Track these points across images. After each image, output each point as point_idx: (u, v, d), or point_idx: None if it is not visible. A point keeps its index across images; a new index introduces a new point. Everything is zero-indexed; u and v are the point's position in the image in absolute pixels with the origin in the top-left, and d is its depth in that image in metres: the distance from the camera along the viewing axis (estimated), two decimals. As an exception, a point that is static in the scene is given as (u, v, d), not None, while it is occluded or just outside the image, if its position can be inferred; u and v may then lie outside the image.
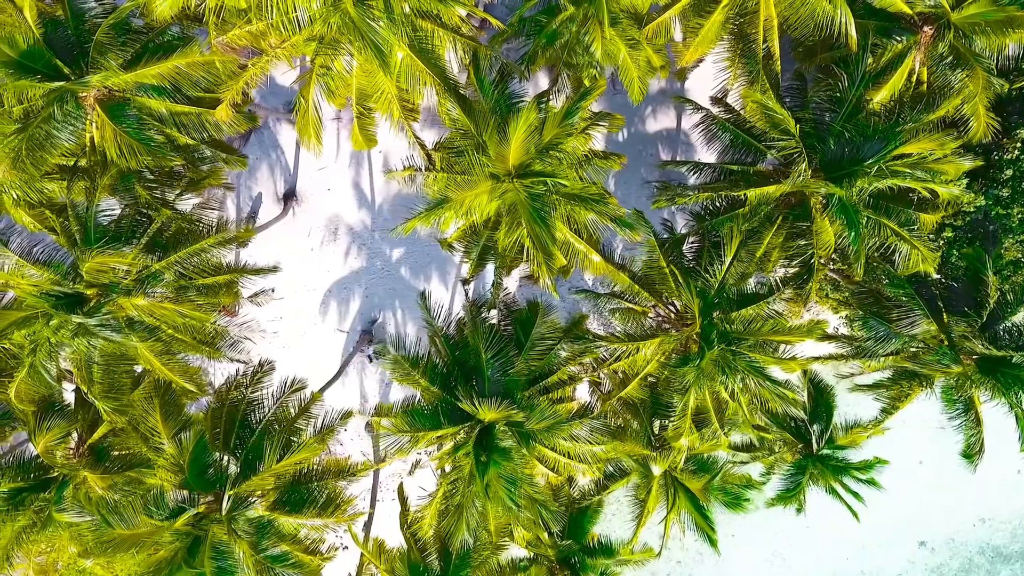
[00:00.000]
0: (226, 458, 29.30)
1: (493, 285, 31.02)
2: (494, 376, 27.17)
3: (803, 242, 27.88)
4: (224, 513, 26.67)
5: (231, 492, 27.07)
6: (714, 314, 28.09)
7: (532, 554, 35.54)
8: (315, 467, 30.67)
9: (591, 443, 26.60)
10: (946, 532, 48.93)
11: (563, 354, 29.39)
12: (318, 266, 45.09)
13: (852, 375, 34.98)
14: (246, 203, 44.44)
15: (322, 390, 37.71)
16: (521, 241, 26.66)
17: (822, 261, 28.06)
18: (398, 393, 47.27)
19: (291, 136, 44.02)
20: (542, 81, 41.52)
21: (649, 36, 31.47)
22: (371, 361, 45.94)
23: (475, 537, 29.34)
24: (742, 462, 37.19)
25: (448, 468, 27.91)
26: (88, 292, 26.58)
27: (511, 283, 43.21)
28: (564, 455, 28.44)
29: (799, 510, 37.36)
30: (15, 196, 28.05)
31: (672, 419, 29.12)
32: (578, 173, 27.52)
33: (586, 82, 32.48)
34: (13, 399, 27.29)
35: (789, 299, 29.15)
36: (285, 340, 44.68)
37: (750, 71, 30.12)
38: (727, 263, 27.29)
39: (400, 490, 33.91)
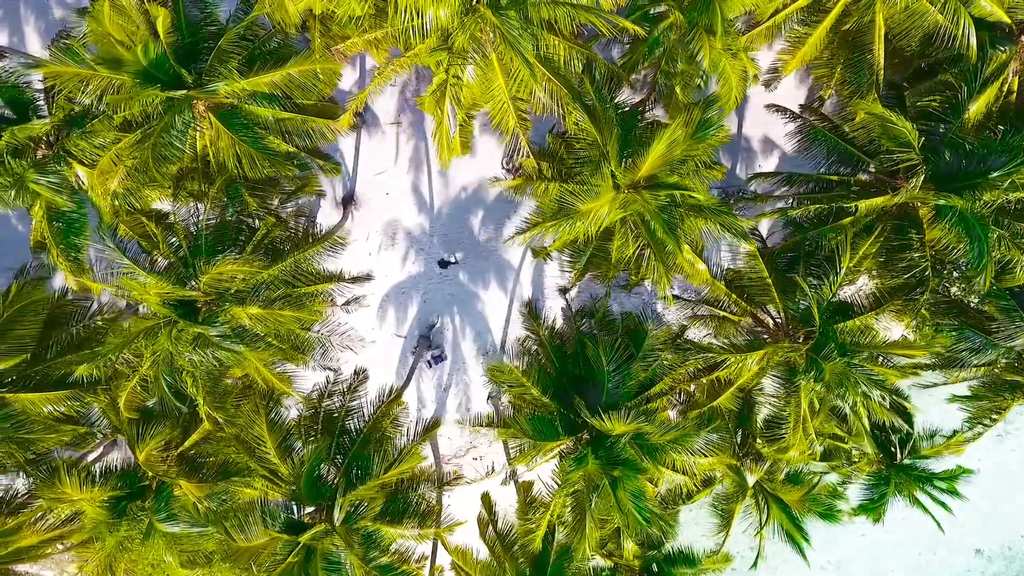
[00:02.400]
0: (328, 468, 29.05)
1: (604, 295, 30.79)
2: (612, 388, 26.90)
3: (917, 254, 27.65)
4: (337, 524, 26.34)
5: (341, 501, 26.77)
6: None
7: (612, 563, 35.46)
8: (413, 476, 30.46)
9: (705, 455, 26.36)
10: (1002, 541, 48.72)
11: (665, 364, 29.21)
12: (376, 271, 44.83)
13: (935, 385, 34.87)
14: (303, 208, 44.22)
15: (397, 395, 37.46)
16: (636, 251, 26.49)
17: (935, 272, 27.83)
18: (455, 399, 47.21)
19: (350, 140, 43.76)
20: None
21: (746, 46, 31.33)
22: (430, 366, 45.74)
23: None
24: (822, 472, 37.04)
25: (557, 481, 27.58)
26: (199, 301, 26.44)
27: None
28: (668, 466, 28.26)
29: (876, 520, 37.23)
30: (116, 204, 27.78)
31: (780, 430, 28.90)
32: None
33: (678, 91, 32.32)
34: (123, 408, 27.00)
35: (896, 311, 28.96)
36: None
37: (856, 81, 29.91)
38: (841, 273, 27.06)
39: (486, 499, 33.63)
